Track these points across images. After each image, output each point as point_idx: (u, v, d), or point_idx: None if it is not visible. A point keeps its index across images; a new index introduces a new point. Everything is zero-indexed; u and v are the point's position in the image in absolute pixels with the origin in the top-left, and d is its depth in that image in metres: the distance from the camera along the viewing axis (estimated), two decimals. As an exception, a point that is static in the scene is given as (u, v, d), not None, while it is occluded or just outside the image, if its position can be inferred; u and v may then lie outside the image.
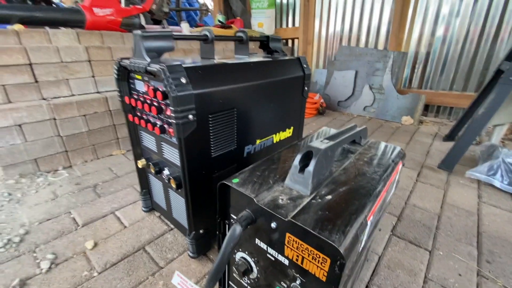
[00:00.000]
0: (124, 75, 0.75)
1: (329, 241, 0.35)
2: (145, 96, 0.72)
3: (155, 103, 0.67)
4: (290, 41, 2.81)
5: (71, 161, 1.28)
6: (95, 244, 0.82)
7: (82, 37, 1.35)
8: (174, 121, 0.59)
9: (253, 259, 0.51)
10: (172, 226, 0.91)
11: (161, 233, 0.88)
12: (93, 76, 1.37)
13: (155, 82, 0.65)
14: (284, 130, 0.98)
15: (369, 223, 0.43)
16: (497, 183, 1.17)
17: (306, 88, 1.00)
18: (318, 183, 0.47)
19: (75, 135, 1.26)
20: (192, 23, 3.28)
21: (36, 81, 1.20)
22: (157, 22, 2.59)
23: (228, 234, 0.44)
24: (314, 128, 1.98)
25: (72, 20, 1.49)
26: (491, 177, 1.19)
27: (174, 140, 0.68)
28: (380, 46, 2.25)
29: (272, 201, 0.43)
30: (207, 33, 0.76)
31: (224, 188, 0.50)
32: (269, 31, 2.65)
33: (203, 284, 0.70)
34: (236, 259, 0.55)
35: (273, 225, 0.44)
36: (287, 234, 0.42)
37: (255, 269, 0.52)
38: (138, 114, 0.77)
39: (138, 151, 0.87)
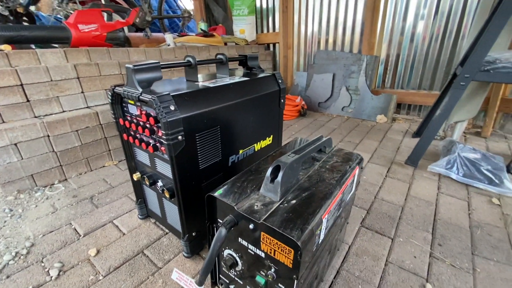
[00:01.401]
0: (118, 100, 0.84)
1: (290, 237, 0.47)
2: (138, 118, 0.81)
3: (147, 126, 0.76)
4: (271, 46, 2.93)
5: (66, 175, 1.35)
6: (98, 251, 0.91)
7: (69, 55, 1.41)
8: (165, 142, 0.69)
9: (237, 254, 0.63)
10: (167, 230, 1.01)
11: (157, 238, 0.98)
12: (82, 92, 1.43)
13: (147, 107, 0.75)
14: (264, 139, 1.09)
15: (324, 220, 0.56)
16: (454, 175, 1.33)
17: (282, 100, 1.11)
18: (286, 191, 0.59)
19: (69, 149, 1.33)
20: (176, 29, 3.33)
21: (28, 100, 1.26)
22: (140, 29, 2.64)
23: (215, 235, 0.56)
24: (296, 130, 2.11)
25: (58, 37, 1.54)
26: (449, 170, 1.36)
27: (166, 156, 0.78)
28: (355, 49, 2.40)
29: (249, 208, 0.55)
30: (190, 59, 0.86)
31: (210, 199, 0.61)
32: (251, 37, 2.75)
33: (197, 278, 0.81)
34: (224, 255, 0.66)
35: (251, 226, 0.55)
36: (262, 233, 0.54)
37: (239, 263, 0.63)
38: (132, 133, 0.86)
39: (133, 164, 0.96)
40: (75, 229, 1.02)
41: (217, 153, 0.86)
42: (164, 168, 0.82)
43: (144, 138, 0.83)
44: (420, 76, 2.16)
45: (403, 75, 2.25)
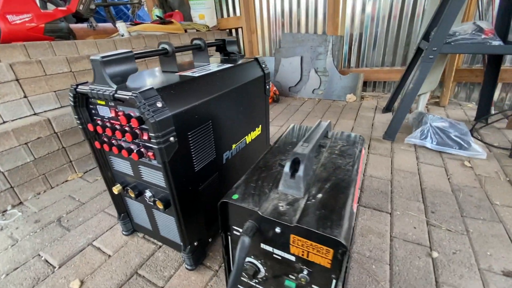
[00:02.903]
0: (82, 102, 0.69)
1: (332, 237, 0.42)
2: (112, 122, 0.68)
3: (127, 129, 0.64)
4: (234, 31, 2.79)
5: (20, 197, 1.13)
6: (82, 282, 0.77)
7: (1, 53, 1.15)
8: (156, 146, 0.58)
9: (259, 261, 0.57)
10: (160, 243, 0.90)
11: (151, 253, 0.87)
12: (25, 97, 1.19)
13: (125, 107, 0.63)
14: (254, 130, 1.02)
15: (354, 211, 0.52)
16: (428, 145, 1.42)
17: (267, 86, 1.04)
18: (307, 184, 0.54)
19: (19, 167, 1.11)
20: (124, 18, 2.99)
21: (-48, 113, 1.00)
22: (80, 20, 2.29)
23: (238, 246, 0.48)
24: (272, 116, 2.07)
25: (-20, 32, 1.25)
26: (423, 140, 1.44)
27: (154, 162, 0.67)
28: (319, 30, 2.40)
29: (274, 210, 0.48)
30: (167, 47, 0.74)
31: (225, 205, 0.53)
32: (211, 23, 2.58)
33: (208, 292, 0.74)
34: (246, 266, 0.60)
35: (278, 230, 0.49)
36: (292, 236, 0.48)
37: (262, 269, 0.57)
38: (106, 140, 0.73)
39: (109, 176, 0.82)
40: (47, 261, 0.85)
41: (211, 151, 0.77)
42: (153, 176, 0.70)
43: (124, 144, 0.70)
44: (382, 54, 2.25)
45: (366, 54, 2.32)
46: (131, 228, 0.93)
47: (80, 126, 0.72)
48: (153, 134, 0.57)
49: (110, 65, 0.59)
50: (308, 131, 0.82)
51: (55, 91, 1.30)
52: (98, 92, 0.60)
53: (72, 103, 0.68)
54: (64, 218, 1.04)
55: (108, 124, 0.68)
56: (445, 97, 1.99)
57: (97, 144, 0.73)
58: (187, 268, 0.80)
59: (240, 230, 0.55)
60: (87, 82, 0.67)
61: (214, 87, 0.75)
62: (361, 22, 2.21)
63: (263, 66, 1.00)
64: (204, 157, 0.75)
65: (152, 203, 0.76)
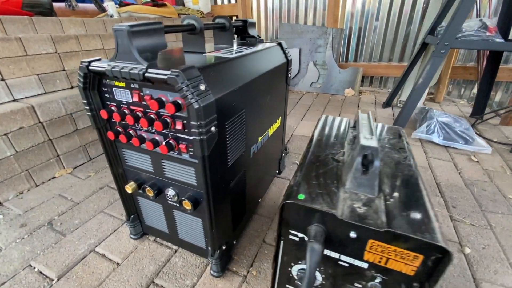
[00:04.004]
0: (94, 83, 0.57)
1: (434, 243, 0.36)
2: (132, 107, 0.57)
3: (152, 116, 0.54)
4: (227, 19, 2.66)
5: (-1, 197, 0.97)
6: (89, 296, 0.66)
7: (-29, 26, 0.97)
8: (197, 138, 0.49)
9: (317, 268, 0.50)
10: (175, 247, 0.81)
11: (167, 259, 0.77)
12: (2, 80, 1.01)
13: (153, 90, 0.52)
14: (275, 122, 0.94)
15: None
16: (436, 139, 1.42)
17: (289, 75, 0.97)
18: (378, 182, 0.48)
19: (-3, 162, 0.94)
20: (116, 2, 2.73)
21: None
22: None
23: (308, 255, 0.42)
24: (272, 110, 1.99)
25: None
26: (430, 135, 1.45)
27: (186, 157, 0.57)
28: (318, 22, 2.34)
29: (353, 212, 0.41)
30: (194, 23, 0.64)
31: (287, 207, 0.45)
32: (205, 8, 2.43)
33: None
34: (293, 273, 0.53)
35: (353, 234, 0.42)
36: (370, 241, 0.42)
37: (319, 277, 0.51)
38: (120, 130, 0.61)
39: (119, 171, 0.71)
40: (41, 272, 0.72)
41: (242, 144, 0.69)
42: (181, 173, 0.61)
43: (145, 135, 0.59)
44: (381, 49, 2.25)
45: (365, 48, 2.31)
46: (141, 231, 0.82)
47: (89, 113, 0.60)
48: (195, 123, 0.47)
49: (139, 37, 0.48)
50: (342, 122, 0.76)
51: (37, 75, 1.12)
52: (122, 71, 0.49)
53: (82, 85, 0.56)
54: (57, 221, 0.90)
55: (126, 111, 0.57)
56: (440, 93, 2.03)
57: (110, 135, 0.61)
58: (212, 275, 0.71)
59: (299, 234, 0.48)
60: (100, 59, 0.55)
61: (248, 72, 0.66)
62: (361, 16, 2.19)
63: (287, 52, 0.92)
64: (236, 150, 0.66)
65: (175, 203, 0.66)
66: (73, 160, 1.20)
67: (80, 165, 1.23)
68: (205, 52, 0.67)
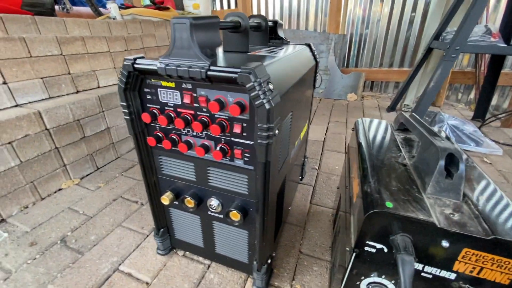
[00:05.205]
0: (136, 84, 0.52)
1: (552, 251, 0.33)
2: (180, 109, 0.52)
3: (205, 119, 0.49)
4: (227, 25, 2.64)
5: (2, 213, 0.86)
6: (123, 323, 0.59)
7: (-29, 24, 0.88)
8: (263, 142, 0.44)
9: (392, 281, 0.46)
10: (207, 262, 0.74)
11: (200, 276, 0.71)
12: (4, 83, 0.93)
13: (210, 90, 0.47)
14: (304, 126, 0.91)
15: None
16: (448, 142, 1.44)
17: (316, 77, 0.94)
18: (459, 186, 0.45)
19: (1, 174, 0.85)
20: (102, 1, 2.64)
21: None
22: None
23: (400, 268, 0.38)
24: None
25: None
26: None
27: (239, 163, 0.52)
28: (319, 28, 2.37)
29: (448, 220, 0.38)
30: (240, 20, 0.60)
31: (374, 216, 0.41)
32: (206, 13, 2.39)
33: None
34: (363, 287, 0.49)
35: (445, 244, 0.39)
36: (465, 250, 0.39)
37: (394, 291, 0.47)
38: (161, 135, 0.56)
39: (153, 181, 0.64)
40: (62, 297, 0.64)
41: (286, 148, 0.65)
42: (230, 181, 0.56)
43: (192, 140, 0.54)
44: (381, 55, 2.29)
45: (366, 54, 2.34)
46: (169, 245, 0.76)
47: (128, 117, 0.54)
48: (264, 125, 0.43)
49: (200, 31, 0.43)
50: (382, 124, 0.74)
51: (42, 78, 1.04)
52: (179, 69, 0.44)
53: (123, 85, 0.50)
54: (70, 238, 0.81)
55: (172, 114, 0.52)
56: (441, 97, 2.08)
57: (150, 141, 0.55)
58: (256, 291, 0.66)
59: (377, 245, 0.44)
60: (143, 57, 0.50)
61: (294, 72, 0.62)
62: (362, 22, 2.23)
63: (315, 53, 0.90)
64: (283, 155, 0.62)
65: (219, 214, 0.60)
66: (80, 170, 1.11)
67: (87, 175, 1.14)
68: (248, 52, 0.63)
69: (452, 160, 0.44)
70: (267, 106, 0.41)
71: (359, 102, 2.24)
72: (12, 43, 0.94)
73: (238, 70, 0.41)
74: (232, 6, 2.51)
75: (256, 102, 0.41)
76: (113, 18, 1.56)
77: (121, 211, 0.93)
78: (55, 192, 1.02)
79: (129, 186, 1.07)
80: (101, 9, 2.02)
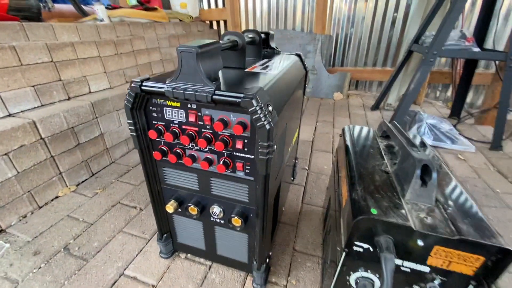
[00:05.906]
0: (142, 103, 0.55)
1: (503, 246, 0.41)
2: (185, 127, 0.56)
3: (208, 135, 0.53)
4: (215, 23, 2.64)
5: (1, 224, 0.87)
6: (134, 324, 0.63)
7: (-41, 34, 0.87)
8: (263, 157, 0.50)
9: (376, 274, 0.53)
10: (208, 263, 0.80)
11: (203, 276, 0.76)
12: (-4, 93, 0.92)
13: (214, 111, 0.52)
14: (295, 133, 0.97)
15: (481, 215, 0.52)
16: (427, 141, 1.55)
17: (306, 85, 1.00)
18: (432, 192, 0.52)
19: (-1, 185, 0.86)
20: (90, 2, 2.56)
21: None
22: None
23: (383, 265, 0.45)
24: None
25: None
26: (421, 136, 1.57)
27: (240, 174, 0.57)
28: (306, 27, 2.42)
29: (422, 223, 0.45)
30: (237, 39, 0.64)
31: (363, 222, 0.47)
32: (194, 13, 2.39)
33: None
34: (351, 281, 0.55)
35: (420, 243, 0.46)
36: (436, 247, 0.46)
37: (378, 283, 0.54)
38: (165, 149, 0.60)
39: (157, 190, 0.68)
40: (72, 303, 0.68)
41: (281, 157, 0.70)
42: (231, 190, 0.60)
43: (196, 154, 0.58)
44: (365, 55, 2.38)
45: (351, 54, 2.43)
46: (172, 249, 0.80)
47: (134, 133, 0.57)
48: (264, 143, 0.48)
49: (205, 58, 0.47)
50: (366, 131, 0.81)
51: (33, 86, 1.03)
52: (186, 92, 0.48)
53: (130, 105, 0.54)
54: (73, 245, 0.84)
55: (176, 130, 0.56)
56: (421, 96, 2.20)
57: (156, 156, 0.59)
58: (255, 288, 0.72)
59: (364, 245, 0.51)
60: (149, 78, 0.54)
61: (288, 87, 0.68)
62: (347, 22, 2.30)
63: (305, 63, 0.96)
64: (278, 163, 0.67)
65: (221, 220, 0.65)
66: (75, 177, 1.12)
67: (83, 181, 1.15)
68: (245, 68, 0.67)
69: (426, 169, 0.51)
70: (267, 126, 0.46)
71: (345, 101, 2.32)
72: (2, 52, 0.93)
73: (241, 95, 0.45)
74: (220, 5, 2.51)
75: (258, 124, 0.46)
76: (101, 21, 1.54)
77: (120, 217, 0.96)
78: (52, 200, 1.03)
79: (126, 191, 1.10)
80: (85, 8, 1.98)
